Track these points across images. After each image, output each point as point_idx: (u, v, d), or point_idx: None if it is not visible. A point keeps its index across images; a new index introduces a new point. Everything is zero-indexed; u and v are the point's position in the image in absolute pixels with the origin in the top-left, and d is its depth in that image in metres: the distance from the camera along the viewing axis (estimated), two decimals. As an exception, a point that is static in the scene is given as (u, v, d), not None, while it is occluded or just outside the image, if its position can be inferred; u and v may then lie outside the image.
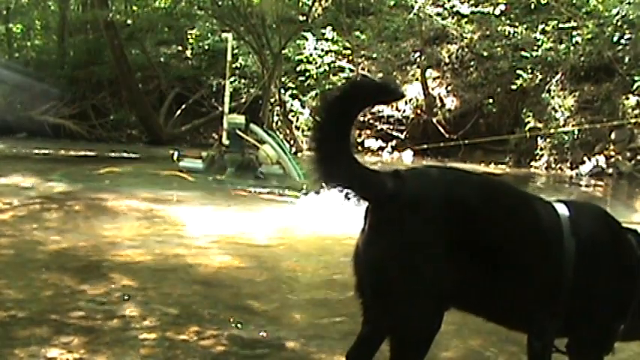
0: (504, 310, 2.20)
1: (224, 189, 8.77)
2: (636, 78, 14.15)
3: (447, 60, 17.82)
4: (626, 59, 14.76)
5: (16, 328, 3.12)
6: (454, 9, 16.87)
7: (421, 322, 2.01)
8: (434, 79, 17.85)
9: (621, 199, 11.52)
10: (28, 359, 2.79)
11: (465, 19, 17.16)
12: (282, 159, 10.70)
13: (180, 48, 20.20)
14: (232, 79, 15.33)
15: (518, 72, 15.87)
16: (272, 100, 16.80)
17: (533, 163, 15.31)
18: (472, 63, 17.54)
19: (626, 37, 14.67)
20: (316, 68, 17.78)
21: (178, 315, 3.45)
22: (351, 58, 18.29)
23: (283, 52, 16.30)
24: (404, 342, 2.02)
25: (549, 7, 16.53)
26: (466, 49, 17.56)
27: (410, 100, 17.18)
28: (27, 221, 5.83)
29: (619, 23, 14.76)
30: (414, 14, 16.88)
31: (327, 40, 17.93)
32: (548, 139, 15.18)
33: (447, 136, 15.86)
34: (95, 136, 18.08)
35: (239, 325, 3.32)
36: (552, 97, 15.46)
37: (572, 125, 14.80)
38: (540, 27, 16.19)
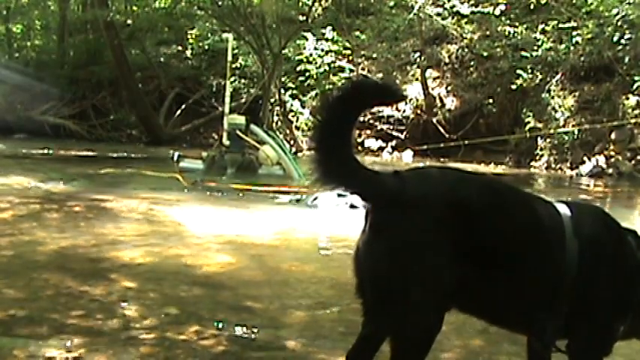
0: (505, 311, 2.20)
1: (223, 189, 8.75)
2: (636, 78, 14.16)
3: (447, 60, 17.84)
4: (626, 59, 14.77)
5: (16, 327, 3.12)
6: (454, 9, 16.89)
7: (422, 323, 2.00)
8: (434, 79, 17.86)
9: (621, 199, 11.52)
10: (28, 359, 2.78)
11: (465, 19, 17.18)
12: (282, 159, 10.70)
13: (180, 48, 20.22)
14: (232, 79, 15.32)
15: (518, 72, 15.88)
16: (272, 100, 16.81)
17: (533, 163, 15.32)
18: (472, 63, 17.55)
19: (626, 37, 14.68)
20: (316, 68, 17.79)
21: (178, 315, 3.45)
22: (351, 58, 18.30)
23: (283, 52, 16.32)
24: (405, 343, 2.01)
25: (549, 7, 16.55)
26: (466, 49, 17.57)
27: (410, 100, 17.19)
28: (27, 221, 5.82)
29: (619, 23, 14.77)
30: (414, 14, 16.90)
31: (327, 40, 17.94)
32: (548, 139, 15.19)
33: (447, 136, 15.88)
34: (95, 136, 18.11)
35: (239, 326, 3.32)
36: (552, 97, 15.47)
37: (572, 125, 14.81)
38: (540, 27, 16.21)
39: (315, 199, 7.50)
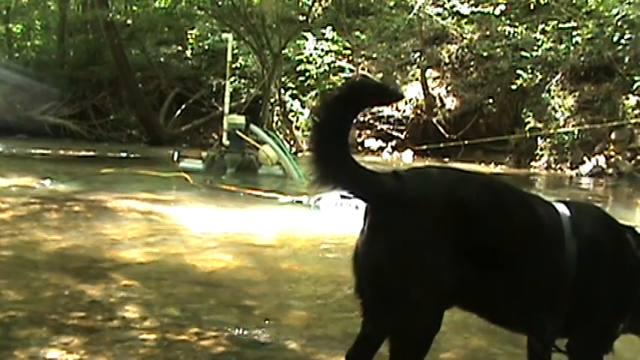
0: (505, 311, 2.20)
1: (222, 189, 8.75)
2: (636, 78, 14.16)
3: (447, 60, 17.84)
4: (626, 59, 14.77)
5: (16, 328, 3.12)
6: (454, 9, 16.89)
7: (421, 323, 2.00)
8: (434, 79, 17.87)
9: (621, 199, 11.51)
10: (28, 360, 2.79)
11: (465, 19, 17.19)
12: (282, 159, 10.70)
13: (180, 48, 20.23)
14: (232, 79, 15.32)
15: (518, 72, 15.88)
16: (272, 100, 16.82)
17: (533, 163, 15.32)
18: (472, 63, 17.55)
19: (626, 37, 14.68)
20: (316, 68, 17.79)
21: (178, 315, 3.45)
22: (351, 58, 18.30)
23: (283, 52, 16.32)
24: (404, 342, 2.01)
25: (549, 7, 16.55)
26: (466, 49, 17.57)
27: (410, 100, 17.20)
28: (27, 221, 5.82)
29: (619, 23, 14.77)
30: (414, 14, 16.90)
31: (327, 40, 17.94)
32: (548, 139, 15.19)
33: (447, 136, 15.88)
34: (95, 136, 18.12)
35: (239, 326, 3.32)
36: (552, 97, 15.48)
37: (572, 125, 14.81)
38: (540, 27, 16.22)
39: (319, 199, 7.49)
